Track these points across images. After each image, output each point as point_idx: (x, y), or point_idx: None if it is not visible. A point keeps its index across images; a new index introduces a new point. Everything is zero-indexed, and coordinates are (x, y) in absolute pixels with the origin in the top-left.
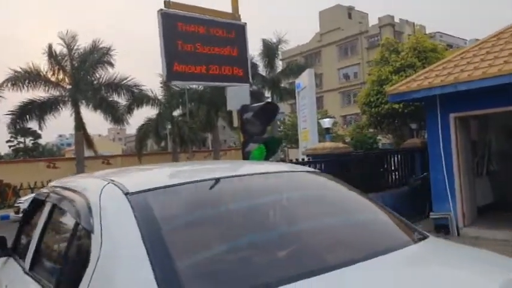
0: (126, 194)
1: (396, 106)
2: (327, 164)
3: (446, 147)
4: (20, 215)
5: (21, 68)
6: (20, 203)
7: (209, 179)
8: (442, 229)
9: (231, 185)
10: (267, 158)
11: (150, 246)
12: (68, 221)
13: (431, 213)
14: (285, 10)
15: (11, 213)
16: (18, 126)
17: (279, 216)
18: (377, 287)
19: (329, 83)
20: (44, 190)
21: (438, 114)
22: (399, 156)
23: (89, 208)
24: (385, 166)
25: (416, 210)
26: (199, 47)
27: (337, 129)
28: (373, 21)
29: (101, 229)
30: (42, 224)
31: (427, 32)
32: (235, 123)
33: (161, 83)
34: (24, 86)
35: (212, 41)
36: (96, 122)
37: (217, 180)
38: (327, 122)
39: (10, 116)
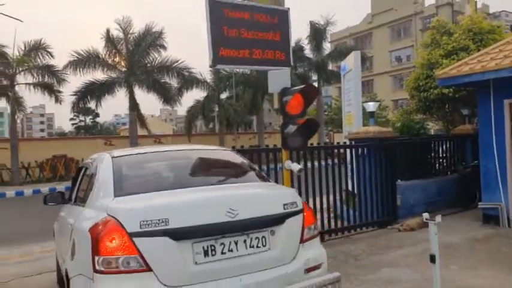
0: (112, 157)
1: (446, 91)
2: (370, 148)
3: (498, 135)
4: None
5: (82, 51)
6: None
7: (155, 151)
8: (492, 219)
9: (163, 153)
10: (305, 140)
11: (114, 177)
12: (88, 173)
13: (479, 203)
14: None
15: None
16: (80, 106)
17: (187, 165)
18: (219, 198)
19: (380, 65)
20: (83, 162)
21: (491, 100)
22: (448, 142)
23: (97, 165)
24: (432, 152)
25: (464, 199)
26: (244, 32)
27: (386, 114)
28: (429, 0)
29: (97, 171)
30: (79, 178)
31: (490, 12)
32: (276, 105)
33: (210, 66)
34: (85, 68)
35: (256, 26)
36: (149, 103)
37: (155, 152)
38: (371, 106)
39: (74, 96)
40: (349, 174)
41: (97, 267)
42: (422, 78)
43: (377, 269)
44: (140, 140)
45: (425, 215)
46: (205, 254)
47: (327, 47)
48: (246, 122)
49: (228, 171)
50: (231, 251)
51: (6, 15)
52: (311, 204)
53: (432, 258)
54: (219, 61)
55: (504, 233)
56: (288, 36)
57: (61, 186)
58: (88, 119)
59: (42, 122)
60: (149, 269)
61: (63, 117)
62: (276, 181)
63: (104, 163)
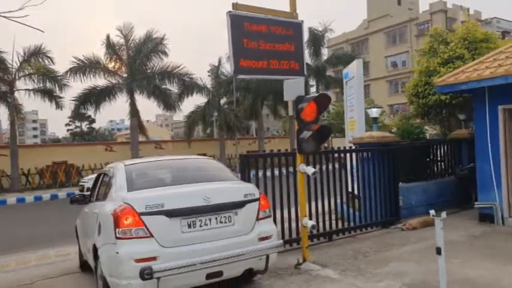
0: (125, 165)
1: (443, 97)
2: (374, 152)
3: (493, 138)
4: (85, 192)
5: (83, 57)
6: (84, 182)
7: (157, 160)
8: (487, 218)
9: (162, 162)
10: (319, 145)
11: (127, 179)
12: (106, 178)
13: (475, 203)
14: None
15: (75, 191)
16: (80, 112)
17: (180, 170)
18: (198, 190)
19: (376, 71)
20: (101, 169)
21: (486, 106)
22: (446, 146)
23: (114, 171)
24: (431, 156)
25: (462, 200)
26: (262, 44)
27: (383, 119)
28: (424, 6)
29: (114, 175)
30: (99, 182)
31: (482, 18)
32: (290, 112)
33: (208, 71)
34: (85, 74)
35: (273, 38)
36: (144, 108)
37: (156, 160)
38: (374, 112)
39: (73, 102)
40: (352, 177)
41: (117, 235)
42: (421, 85)
43: (385, 264)
44: (141, 146)
45: (432, 212)
46: (189, 226)
47: (324, 52)
48: (244, 127)
49: (208, 173)
50: (206, 225)
51: (29, 26)
52: (315, 207)
53: (438, 251)
54: (239, 71)
55: (499, 230)
56: (302, 47)
57: (62, 193)
58: (84, 125)
59: (35, 128)
60: (151, 236)
61: (57, 124)
62: (288, 184)
63: (119, 169)
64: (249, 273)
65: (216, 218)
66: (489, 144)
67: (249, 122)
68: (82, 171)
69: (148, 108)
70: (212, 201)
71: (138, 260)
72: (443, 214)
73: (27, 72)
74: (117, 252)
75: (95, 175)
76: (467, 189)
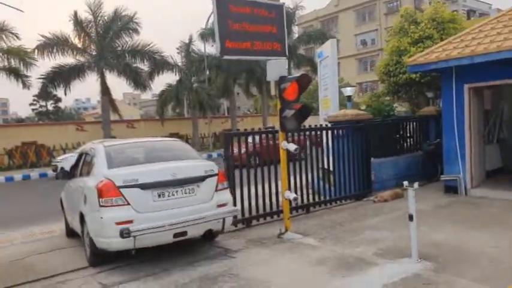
0: (104, 146)
1: (413, 76)
2: (348, 129)
3: (459, 115)
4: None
5: (50, 33)
6: (57, 162)
7: (131, 142)
8: (451, 189)
9: (136, 143)
10: (300, 123)
11: (106, 158)
12: (88, 157)
13: (441, 176)
14: None
15: (48, 171)
16: (49, 91)
17: (151, 150)
18: (167, 168)
19: (346, 49)
20: (81, 148)
21: (453, 85)
22: (415, 123)
23: (94, 151)
24: (401, 132)
25: (429, 173)
26: (246, 25)
27: (353, 96)
28: None
29: (95, 155)
30: (81, 161)
31: None
32: (273, 92)
33: (177, 48)
34: (53, 52)
35: (256, 20)
36: (111, 87)
37: (131, 142)
38: (348, 91)
39: (41, 81)
40: (328, 153)
41: (101, 204)
42: (392, 64)
43: (361, 232)
44: (113, 125)
45: (405, 183)
46: (159, 196)
47: (295, 30)
48: (215, 106)
49: (175, 153)
50: (173, 195)
51: (9, 6)
52: (292, 182)
53: (410, 217)
54: (225, 52)
55: (462, 200)
56: (283, 28)
57: (34, 173)
58: (49, 104)
59: None
60: (128, 204)
61: (19, 103)
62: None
63: (99, 150)
64: (210, 233)
65: (181, 190)
66: (455, 121)
67: (220, 100)
68: (53, 152)
69: (116, 86)
70: (178, 176)
71: (118, 223)
72: (416, 184)
73: None
74: (101, 217)
75: (69, 155)
76: (434, 163)
